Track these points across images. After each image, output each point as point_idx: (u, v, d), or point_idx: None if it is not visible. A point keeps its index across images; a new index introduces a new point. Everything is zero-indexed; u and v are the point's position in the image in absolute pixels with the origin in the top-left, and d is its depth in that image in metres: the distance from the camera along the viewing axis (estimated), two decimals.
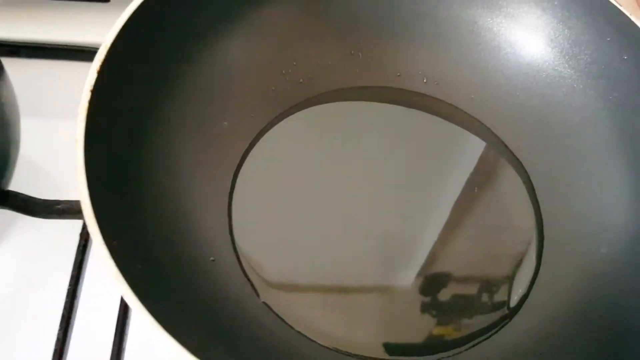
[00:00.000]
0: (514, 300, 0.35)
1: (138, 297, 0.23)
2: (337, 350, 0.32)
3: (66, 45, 0.45)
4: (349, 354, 0.32)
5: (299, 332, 0.32)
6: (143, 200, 0.30)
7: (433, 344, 0.33)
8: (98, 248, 0.24)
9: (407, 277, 0.35)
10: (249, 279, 0.33)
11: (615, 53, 0.37)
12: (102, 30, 0.44)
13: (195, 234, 0.32)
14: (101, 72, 0.29)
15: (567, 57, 0.39)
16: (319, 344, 0.32)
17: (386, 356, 0.33)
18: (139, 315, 0.23)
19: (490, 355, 0.33)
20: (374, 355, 0.32)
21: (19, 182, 0.36)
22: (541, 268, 0.36)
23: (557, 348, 0.31)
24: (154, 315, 0.23)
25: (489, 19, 0.41)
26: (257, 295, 0.33)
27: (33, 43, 0.45)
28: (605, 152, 0.37)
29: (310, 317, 0.33)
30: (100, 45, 0.43)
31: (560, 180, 0.38)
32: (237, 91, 0.38)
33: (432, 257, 0.36)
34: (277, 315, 0.32)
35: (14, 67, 0.37)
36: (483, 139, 0.41)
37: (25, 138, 0.37)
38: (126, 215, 0.28)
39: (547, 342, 0.32)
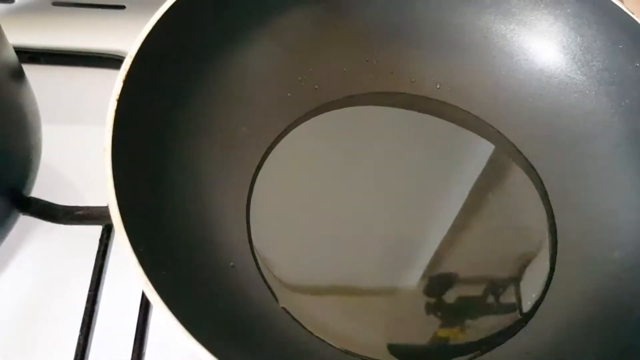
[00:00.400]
0: (528, 305, 0.35)
1: (166, 303, 0.24)
2: (350, 353, 0.33)
3: (83, 52, 0.45)
4: (362, 357, 0.33)
5: (317, 336, 0.32)
6: (167, 207, 0.31)
7: (448, 349, 0.34)
8: (128, 256, 0.25)
9: (425, 281, 0.36)
10: (267, 284, 0.34)
11: (628, 60, 0.37)
12: (118, 37, 0.44)
13: (215, 240, 0.33)
14: (126, 82, 0.29)
15: (579, 63, 0.40)
16: (335, 347, 0.33)
17: None
18: (168, 322, 0.24)
19: None
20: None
21: (39, 188, 0.36)
22: (555, 272, 0.37)
23: (571, 352, 0.32)
24: (181, 322, 0.24)
25: (502, 26, 0.41)
26: (276, 300, 0.33)
27: (51, 50, 0.45)
28: (617, 157, 0.38)
29: (328, 321, 0.33)
30: (116, 51, 0.44)
31: (572, 185, 0.39)
32: (255, 97, 0.39)
33: (446, 263, 0.36)
34: (296, 320, 0.33)
35: (33, 73, 0.37)
36: (496, 143, 0.41)
37: (45, 144, 0.37)
38: (151, 222, 0.29)
39: (562, 346, 0.32)
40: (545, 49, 0.41)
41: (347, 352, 0.32)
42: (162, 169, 0.31)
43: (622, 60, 0.38)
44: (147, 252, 0.26)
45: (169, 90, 0.33)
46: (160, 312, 0.24)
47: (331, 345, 0.32)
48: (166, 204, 0.31)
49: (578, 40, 0.39)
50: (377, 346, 0.33)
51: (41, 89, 0.37)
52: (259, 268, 0.34)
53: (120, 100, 0.28)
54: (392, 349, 0.33)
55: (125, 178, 0.27)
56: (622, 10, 0.37)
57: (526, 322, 0.35)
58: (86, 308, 0.34)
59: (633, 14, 0.36)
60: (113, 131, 0.27)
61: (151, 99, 0.31)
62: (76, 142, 0.41)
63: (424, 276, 0.36)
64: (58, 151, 0.39)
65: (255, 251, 0.35)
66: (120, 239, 0.25)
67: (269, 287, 0.34)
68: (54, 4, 0.47)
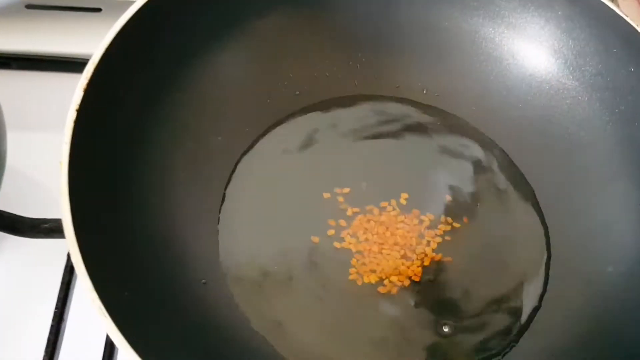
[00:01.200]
0: (521, 322, 0.34)
1: (122, 331, 0.22)
2: None
3: (58, 57, 0.44)
4: None
5: None
6: (131, 221, 0.29)
7: None
8: (81, 279, 0.23)
9: (412, 298, 0.34)
10: (237, 304, 0.32)
11: (622, 65, 0.36)
12: (94, 41, 0.42)
13: (185, 256, 0.31)
14: (88, 91, 0.28)
15: (571, 68, 0.38)
16: None
17: None
18: (124, 352, 0.22)
19: None
20: None
21: (6, 198, 0.35)
22: (548, 287, 0.35)
23: None
24: (139, 352, 0.22)
25: (491, 29, 0.40)
26: (249, 321, 0.31)
27: (24, 54, 0.44)
28: (610, 167, 0.36)
29: (303, 343, 0.31)
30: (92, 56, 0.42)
31: (565, 195, 0.37)
32: (232, 104, 0.37)
33: (436, 279, 0.35)
34: (271, 344, 0.31)
35: (4, 79, 0.36)
36: (486, 150, 0.40)
37: (14, 152, 0.35)
38: (113, 238, 0.27)
39: None
40: (535, 53, 0.39)
41: None
42: (126, 184, 0.30)
43: (616, 65, 0.36)
44: (108, 273, 0.25)
45: (136, 100, 0.31)
46: (117, 343, 0.22)
47: None
48: (130, 220, 0.29)
49: (570, 44, 0.38)
50: None
51: (12, 95, 0.36)
52: (228, 284, 0.32)
53: (81, 111, 0.27)
54: None
55: (83, 193, 0.26)
56: (616, 12, 0.35)
57: (518, 340, 0.33)
58: (52, 326, 0.32)
59: (627, 17, 0.35)
60: (71, 143, 0.26)
61: (115, 109, 0.30)
62: (46, 150, 0.39)
63: (410, 293, 0.34)
64: (26, 159, 0.38)
65: (223, 268, 0.33)
66: (74, 261, 0.23)
67: (240, 307, 0.32)
68: (28, 6, 0.46)
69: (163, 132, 0.33)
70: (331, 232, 0.35)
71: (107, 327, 0.22)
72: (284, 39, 0.39)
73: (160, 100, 0.33)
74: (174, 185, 0.33)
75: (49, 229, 0.34)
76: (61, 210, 0.24)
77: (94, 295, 0.22)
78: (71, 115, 0.26)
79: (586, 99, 0.38)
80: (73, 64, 0.44)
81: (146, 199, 0.30)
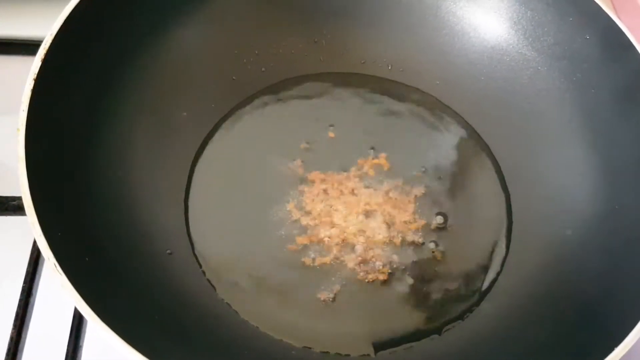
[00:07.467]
0: (484, 286, 0.34)
1: (77, 289, 0.23)
2: (290, 345, 0.31)
3: (13, 40, 0.43)
4: (301, 347, 0.31)
5: (256, 327, 0.31)
6: (92, 191, 0.29)
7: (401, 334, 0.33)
8: (37, 239, 0.23)
9: (376, 268, 0.34)
10: (204, 274, 0.32)
11: (578, 33, 0.37)
12: (40, 23, 0.41)
13: (150, 226, 0.32)
14: (46, 61, 0.28)
15: (530, 39, 0.39)
16: (274, 337, 0.31)
17: (352, 351, 0.32)
18: (80, 308, 0.22)
19: (456, 341, 0.32)
20: (341, 352, 0.32)
21: None
22: (509, 252, 0.36)
23: (518, 332, 0.31)
24: (93, 308, 0.22)
25: (452, 3, 0.40)
26: (215, 289, 0.32)
27: None
28: (569, 134, 0.37)
29: (268, 312, 0.32)
30: (39, 37, 0.41)
31: (526, 163, 0.38)
32: (197, 81, 0.38)
33: (405, 247, 0.35)
34: (236, 311, 0.31)
35: None
36: (450, 123, 0.40)
37: None
38: (73, 206, 0.27)
39: (511, 325, 0.32)
40: (496, 25, 0.40)
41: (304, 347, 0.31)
42: (87, 153, 0.30)
43: (572, 33, 0.37)
44: (66, 237, 0.25)
45: (97, 73, 0.32)
46: (73, 298, 0.23)
47: (269, 336, 0.31)
48: (93, 188, 0.29)
49: (528, 14, 0.39)
50: (317, 336, 0.32)
51: None
52: (195, 256, 0.33)
53: (39, 80, 0.27)
54: (334, 338, 0.32)
55: (42, 160, 0.26)
56: None
57: (479, 303, 0.34)
58: (20, 300, 0.32)
59: None
60: (29, 111, 0.26)
61: (75, 81, 0.30)
62: (11, 130, 0.39)
63: (375, 266, 0.34)
64: None
65: (192, 239, 0.33)
66: (30, 221, 0.23)
67: (207, 277, 0.32)
68: None
69: (124, 104, 0.33)
70: (292, 204, 0.36)
71: (62, 283, 0.22)
72: (247, 16, 0.39)
73: (121, 73, 0.33)
74: (138, 159, 0.33)
75: (17, 206, 0.35)
76: (19, 174, 0.25)
77: (49, 254, 0.23)
78: (29, 84, 0.27)
79: (545, 68, 0.38)
80: (20, 46, 0.43)
81: (107, 171, 0.31)
